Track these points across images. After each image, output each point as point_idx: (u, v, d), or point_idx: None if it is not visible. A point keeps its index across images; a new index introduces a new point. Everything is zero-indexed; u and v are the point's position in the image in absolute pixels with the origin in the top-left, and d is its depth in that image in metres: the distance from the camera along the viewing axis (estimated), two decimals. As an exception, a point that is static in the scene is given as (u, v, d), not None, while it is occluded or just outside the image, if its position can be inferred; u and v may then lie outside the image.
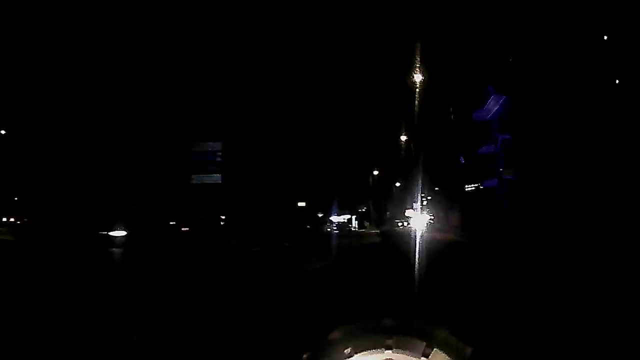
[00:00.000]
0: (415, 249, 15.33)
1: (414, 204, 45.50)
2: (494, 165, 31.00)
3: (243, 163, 35.57)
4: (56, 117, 27.80)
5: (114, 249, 20.21)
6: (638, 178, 17.09)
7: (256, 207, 34.76)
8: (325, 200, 52.19)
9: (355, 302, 6.46)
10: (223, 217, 33.92)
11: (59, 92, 27.45)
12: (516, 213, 25.47)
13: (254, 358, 4.60)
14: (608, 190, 18.21)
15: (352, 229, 58.48)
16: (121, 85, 29.02)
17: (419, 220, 36.78)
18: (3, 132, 27.65)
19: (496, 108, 29.72)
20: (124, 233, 22.80)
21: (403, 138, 45.11)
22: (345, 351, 1.47)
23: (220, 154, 34.44)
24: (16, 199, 34.99)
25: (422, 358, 1.45)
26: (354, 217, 70.11)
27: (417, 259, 12.26)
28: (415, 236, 21.93)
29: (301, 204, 45.57)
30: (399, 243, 21.09)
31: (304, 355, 1.47)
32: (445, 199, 47.38)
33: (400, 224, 55.63)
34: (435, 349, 1.45)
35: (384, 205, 75.02)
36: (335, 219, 56.37)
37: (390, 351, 1.46)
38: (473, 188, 37.88)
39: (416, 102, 31.47)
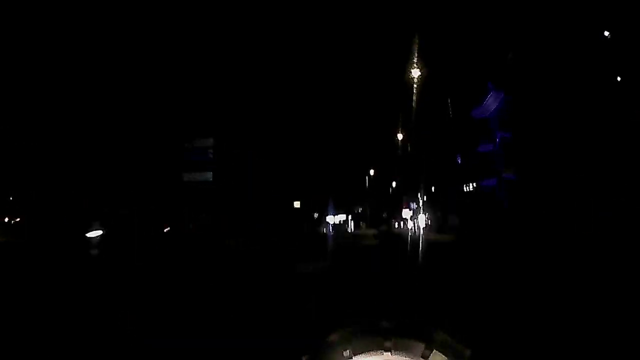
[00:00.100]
0: (413, 250, 15.40)
1: (411, 204, 45.66)
2: (493, 164, 31.05)
3: (238, 162, 35.48)
4: (39, 116, 27.61)
5: (90, 249, 20.09)
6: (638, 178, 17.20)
7: (254, 207, 34.73)
8: (320, 201, 52.15)
9: (353, 304, 6.50)
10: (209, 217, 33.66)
11: (42, 91, 27.28)
12: (516, 212, 25.53)
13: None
14: (609, 189, 18.29)
15: (349, 230, 58.54)
16: (110, 80, 28.85)
17: (416, 220, 36.85)
18: None
19: (495, 105, 29.70)
20: (99, 232, 22.52)
21: (400, 137, 45.24)
22: (344, 353, 1.49)
23: (211, 151, 34.28)
24: (11, 198, 35.04)
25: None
26: (350, 217, 70.14)
27: (415, 260, 12.34)
28: (413, 237, 22.02)
29: (296, 204, 45.46)
30: (397, 244, 21.14)
31: (303, 358, 1.49)
32: (443, 198, 47.52)
33: (397, 224, 55.76)
34: (434, 351, 1.47)
35: (380, 206, 75.15)
36: (331, 219, 56.33)
37: (389, 353, 1.49)
38: (472, 188, 38.02)
39: (413, 100, 31.45)
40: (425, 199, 44.00)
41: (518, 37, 23.90)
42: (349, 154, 63.66)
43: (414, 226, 33.11)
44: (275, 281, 10.20)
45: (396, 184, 63.20)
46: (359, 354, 1.50)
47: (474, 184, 37.45)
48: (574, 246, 15.24)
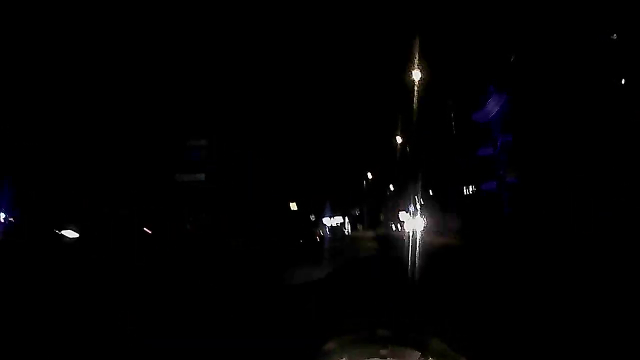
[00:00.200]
0: (410, 255, 15.44)
1: (409, 206, 45.74)
2: (493, 168, 31.10)
3: (237, 162, 35.48)
4: (27, 114, 27.46)
5: (65, 249, 19.84)
6: None
7: (252, 207, 34.73)
8: (317, 203, 52.19)
9: (350, 311, 6.53)
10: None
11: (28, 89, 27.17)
12: (518, 216, 25.52)
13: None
14: (617, 194, 18.18)
15: (346, 233, 58.60)
16: (111, 80, 28.81)
17: (413, 223, 36.86)
18: None
19: (497, 108, 29.66)
20: (76, 235, 22.07)
21: (398, 139, 45.33)
22: (341, 361, 1.54)
23: (205, 151, 34.28)
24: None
25: (417, 367, 1.53)
26: (347, 219, 70.28)
27: (412, 266, 12.37)
28: (411, 241, 22.03)
29: (293, 206, 45.45)
30: (394, 247, 21.18)
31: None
32: (442, 202, 47.58)
33: (394, 227, 55.88)
34: (429, 359, 1.52)
35: (378, 209, 75.27)
36: (327, 221, 56.38)
37: (385, 361, 1.53)
38: (471, 191, 38.06)
39: (412, 102, 31.53)
40: (422, 201, 44.10)
41: (521, 37, 23.78)
42: (347, 155, 63.81)
43: (412, 229, 33.09)
44: (268, 288, 10.23)
45: (394, 186, 63.33)
46: (356, 361, 1.54)
47: (474, 187, 37.50)
48: (581, 250, 15.25)
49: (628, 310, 6.18)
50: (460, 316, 6.15)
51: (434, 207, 50.28)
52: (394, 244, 25.12)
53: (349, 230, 64.02)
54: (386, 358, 1.55)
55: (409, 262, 13.37)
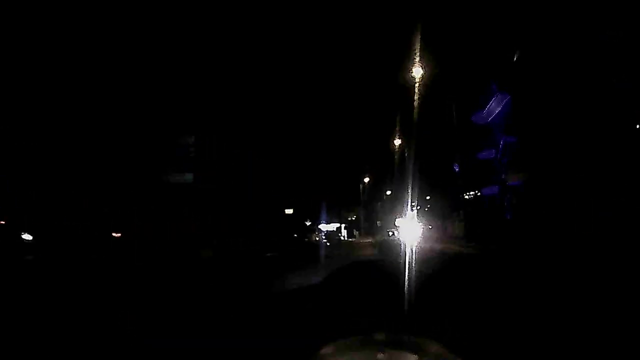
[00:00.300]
0: (407, 261, 15.46)
1: (406, 211, 45.73)
2: (495, 171, 30.90)
3: (237, 164, 35.47)
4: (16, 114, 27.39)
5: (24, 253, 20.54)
6: None
7: (251, 209, 34.73)
8: (313, 208, 52.23)
9: (346, 316, 6.55)
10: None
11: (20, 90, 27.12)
12: (522, 221, 25.39)
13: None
14: (625, 195, 18.13)
15: (342, 239, 58.58)
16: (113, 80, 28.82)
17: (410, 229, 36.80)
18: None
19: (500, 108, 29.32)
20: (30, 237, 23.02)
21: (396, 143, 45.36)
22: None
23: (193, 149, 34.16)
24: None
25: (414, 371, 1.54)
26: (343, 225, 70.29)
27: (409, 272, 12.39)
28: (407, 247, 22.07)
29: (288, 211, 45.47)
30: (391, 254, 21.17)
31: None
32: (440, 207, 47.65)
33: (391, 233, 55.97)
34: (427, 363, 1.54)
35: (374, 214, 75.39)
36: (324, 227, 56.37)
37: (382, 365, 1.55)
38: (472, 195, 38.02)
39: (410, 104, 31.48)
40: (418, 208, 44.12)
41: (525, 35, 23.58)
42: (343, 160, 63.92)
43: (408, 235, 33.06)
44: (260, 294, 10.23)
45: (391, 192, 63.44)
46: (353, 366, 1.56)
47: (474, 192, 37.44)
48: (593, 255, 15.27)
49: (631, 314, 6.21)
50: (459, 321, 6.17)
51: (431, 213, 50.42)
52: (391, 250, 25.11)
53: (345, 237, 63.99)
54: (383, 362, 1.56)
55: (404, 268, 13.39)
